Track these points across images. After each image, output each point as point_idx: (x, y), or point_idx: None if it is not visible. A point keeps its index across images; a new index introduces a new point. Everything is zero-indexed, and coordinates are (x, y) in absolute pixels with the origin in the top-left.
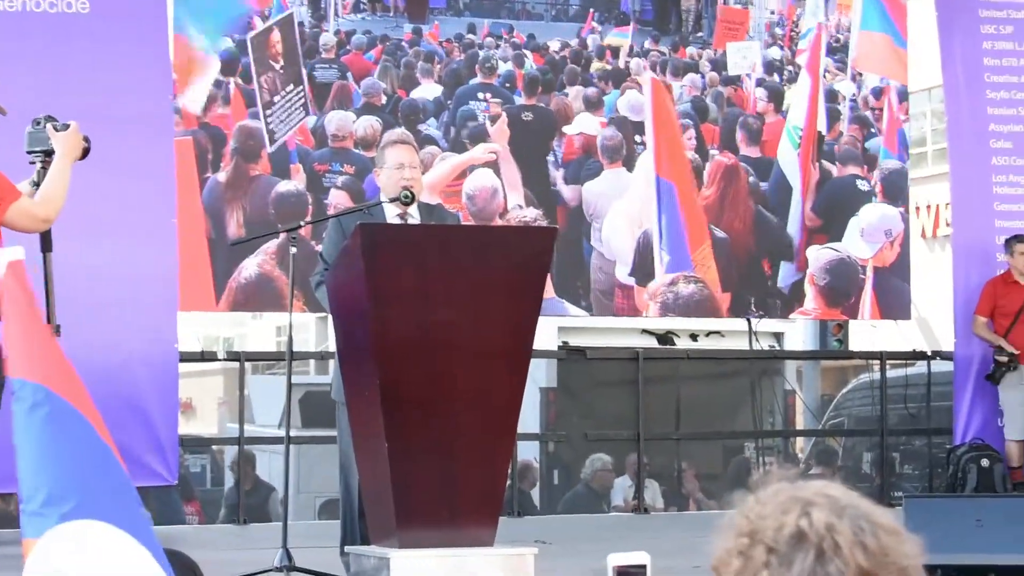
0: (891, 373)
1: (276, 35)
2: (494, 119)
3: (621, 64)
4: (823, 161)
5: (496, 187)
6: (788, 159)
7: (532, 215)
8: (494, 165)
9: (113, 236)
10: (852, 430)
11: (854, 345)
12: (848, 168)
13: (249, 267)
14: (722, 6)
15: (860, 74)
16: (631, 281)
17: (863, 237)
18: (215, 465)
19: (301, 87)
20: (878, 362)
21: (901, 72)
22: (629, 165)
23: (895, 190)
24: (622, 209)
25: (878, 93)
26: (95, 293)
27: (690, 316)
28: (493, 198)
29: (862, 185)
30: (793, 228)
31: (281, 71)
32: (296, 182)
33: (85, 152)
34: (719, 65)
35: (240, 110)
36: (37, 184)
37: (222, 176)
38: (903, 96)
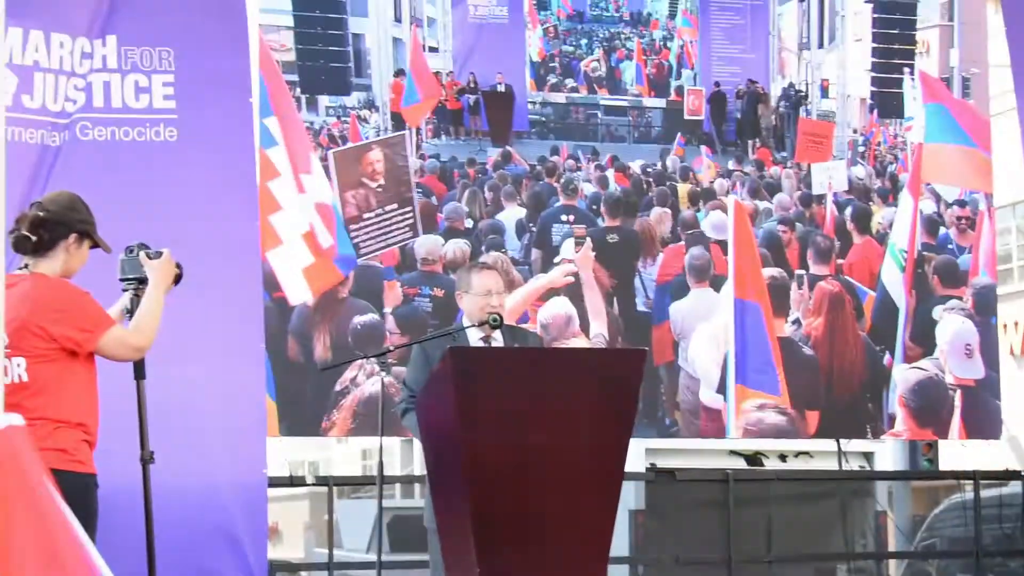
0: (984, 493)
1: (376, 153)
2: (579, 242)
3: (705, 185)
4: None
5: (571, 315)
6: (893, 281)
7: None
8: (571, 292)
9: (203, 362)
10: (946, 551)
11: (944, 464)
12: (946, 289)
13: (368, 388)
14: (804, 119)
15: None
16: (718, 401)
17: (948, 355)
18: None
19: (409, 209)
20: (970, 482)
21: (983, 182)
22: (715, 285)
23: (986, 307)
24: (707, 329)
25: (960, 205)
26: (186, 419)
27: (777, 438)
28: (567, 326)
29: (951, 304)
30: (898, 354)
31: (379, 189)
32: (373, 313)
33: (177, 279)
34: (801, 183)
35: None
36: (130, 312)
37: (311, 300)
38: (988, 209)
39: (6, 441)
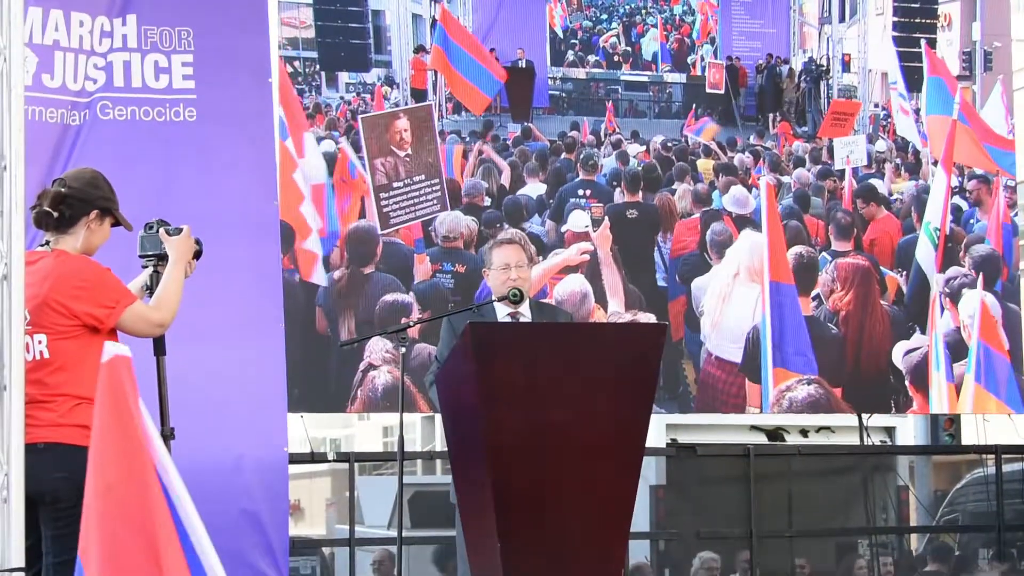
0: (1006, 467)
1: (403, 122)
2: (597, 223)
3: (725, 160)
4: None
5: (586, 292)
6: (927, 259)
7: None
8: (586, 269)
9: (222, 339)
10: (968, 526)
11: (966, 439)
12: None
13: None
14: (835, 100)
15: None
16: (741, 376)
17: (970, 328)
18: (324, 567)
19: (437, 181)
20: (992, 456)
21: (986, 162)
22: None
23: (992, 277)
24: (729, 303)
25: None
26: (206, 396)
27: (807, 413)
28: (583, 303)
29: (952, 272)
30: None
31: (407, 159)
32: (400, 292)
33: (197, 255)
34: (821, 158)
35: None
36: (149, 288)
37: (337, 274)
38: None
39: (112, 372)
